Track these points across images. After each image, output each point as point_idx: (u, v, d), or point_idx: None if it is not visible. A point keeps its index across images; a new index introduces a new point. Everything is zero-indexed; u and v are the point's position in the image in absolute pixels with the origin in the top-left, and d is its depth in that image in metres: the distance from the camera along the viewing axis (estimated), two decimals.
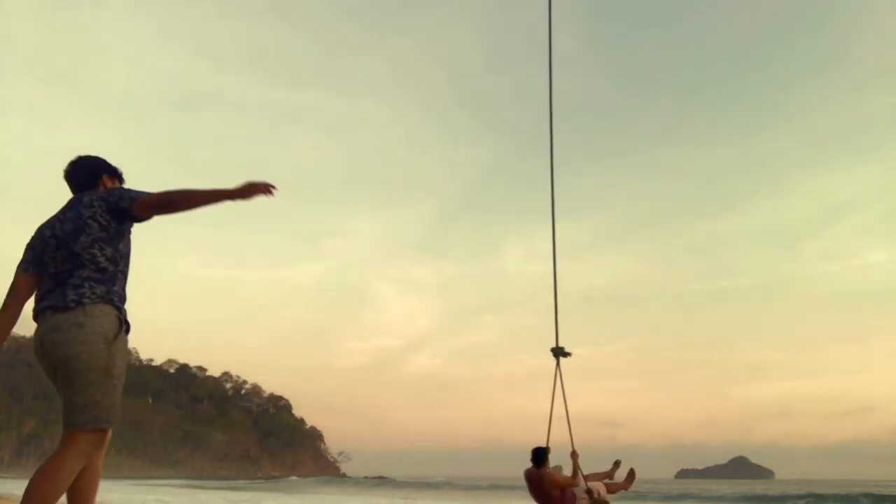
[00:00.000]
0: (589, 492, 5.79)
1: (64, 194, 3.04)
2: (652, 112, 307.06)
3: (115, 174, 3.14)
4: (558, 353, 5.85)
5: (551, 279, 6.41)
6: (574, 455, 6.00)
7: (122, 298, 2.78)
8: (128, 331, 2.77)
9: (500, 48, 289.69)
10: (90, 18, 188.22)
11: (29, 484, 2.52)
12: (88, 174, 3.04)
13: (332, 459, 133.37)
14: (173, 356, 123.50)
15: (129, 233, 2.90)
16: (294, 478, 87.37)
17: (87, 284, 2.66)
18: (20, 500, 2.55)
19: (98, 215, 2.76)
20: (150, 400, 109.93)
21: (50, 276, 2.74)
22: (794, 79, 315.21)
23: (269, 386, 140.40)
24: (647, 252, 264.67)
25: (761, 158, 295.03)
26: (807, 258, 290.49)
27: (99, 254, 2.72)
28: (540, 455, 6.12)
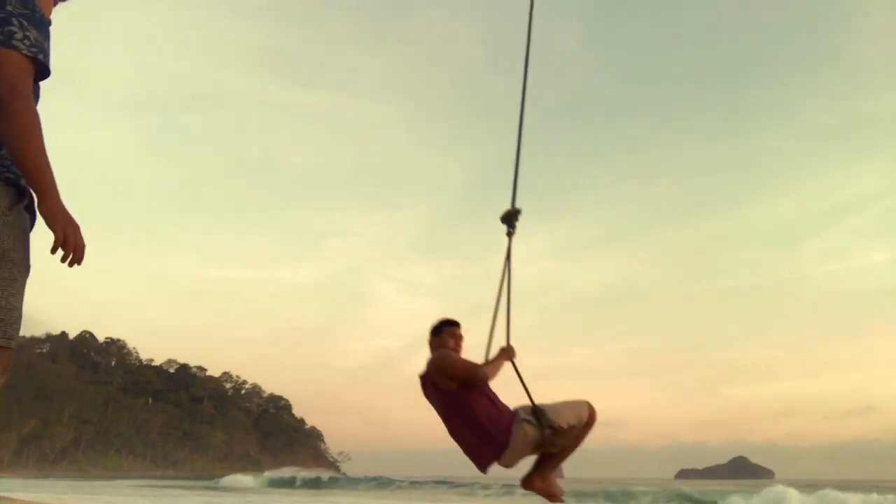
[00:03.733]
0: (538, 412, 3.27)
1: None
2: (652, 112, 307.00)
3: None
4: (512, 217, 3.69)
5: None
6: (507, 352, 3.59)
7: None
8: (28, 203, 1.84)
9: (500, 48, 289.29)
10: (91, 17, 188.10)
11: None
12: None
13: (332, 459, 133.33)
14: (173, 356, 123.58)
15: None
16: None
17: None
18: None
19: None
20: (150, 400, 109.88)
21: None
22: (795, 79, 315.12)
23: (269, 386, 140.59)
24: (647, 252, 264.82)
25: (761, 158, 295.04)
26: (807, 258, 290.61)
27: None
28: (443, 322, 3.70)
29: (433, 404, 3.46)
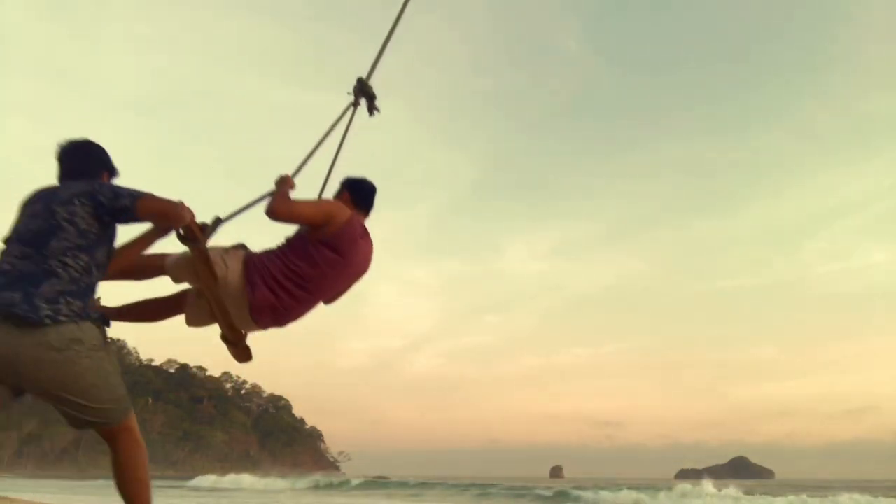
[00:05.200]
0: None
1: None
2: (652, 112, 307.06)
3: (113, 175, 2.77)
4: (362, 91, 3.56)
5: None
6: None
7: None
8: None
9: (501, 48, 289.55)
10: (91, 18, 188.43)
11: (127, 489, 2.55)
12: (91, 163, 2.68)
13: (332, 459, 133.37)
14: (173, 356, 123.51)
15: (115, 238, 2.58)
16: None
17: (62, 299, 2.32)
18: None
19: (78, 217, 2.40)
20: (150, 400, 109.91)
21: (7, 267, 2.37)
22: (795, 79, 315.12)
23: (269, 386, 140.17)
24: (647, 252, 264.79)
25: (761, 158, 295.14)
26: (807, 258, 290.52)
27: (73, 262, 2.37)
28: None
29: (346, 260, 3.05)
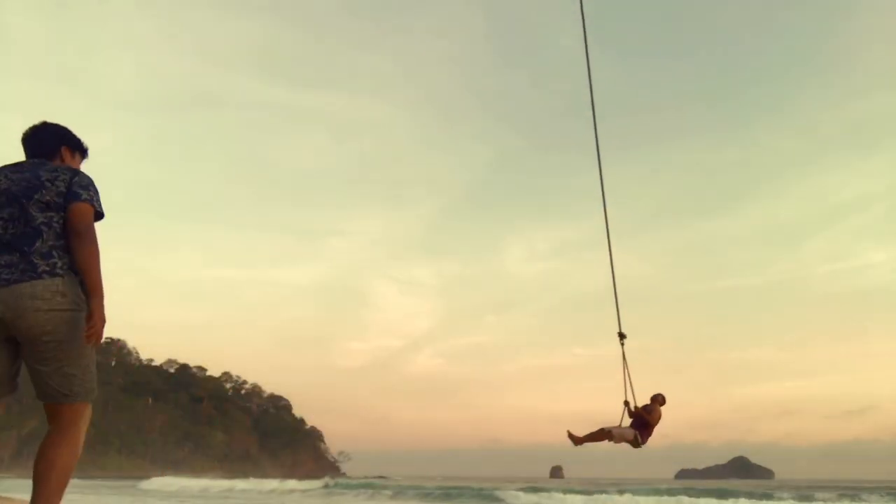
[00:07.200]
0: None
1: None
2: (652, 112, 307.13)
3: (78, 148, 2.95)
4: (622, 336, 7.57)
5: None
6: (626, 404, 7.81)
7: None
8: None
9: (502, 47, 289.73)
10: (91, 17, 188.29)
11: (47, 463, 2.52)
12: (49, 140, 2.88)
13: (332, 459, 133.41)
14: (173, 356, 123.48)
15: None
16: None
17: (55, 253, 2.53)
18: (35, 483, 2.50)
19: (59, 181, 2.62)
20: (150, 400, 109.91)
21: None
22: (795, 78, 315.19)
23: (269, 386, 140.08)
24: (647, 252, 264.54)
25: (761, 158, 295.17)
26: (807, 258, 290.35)
27: (57, 219, 2.58)
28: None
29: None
